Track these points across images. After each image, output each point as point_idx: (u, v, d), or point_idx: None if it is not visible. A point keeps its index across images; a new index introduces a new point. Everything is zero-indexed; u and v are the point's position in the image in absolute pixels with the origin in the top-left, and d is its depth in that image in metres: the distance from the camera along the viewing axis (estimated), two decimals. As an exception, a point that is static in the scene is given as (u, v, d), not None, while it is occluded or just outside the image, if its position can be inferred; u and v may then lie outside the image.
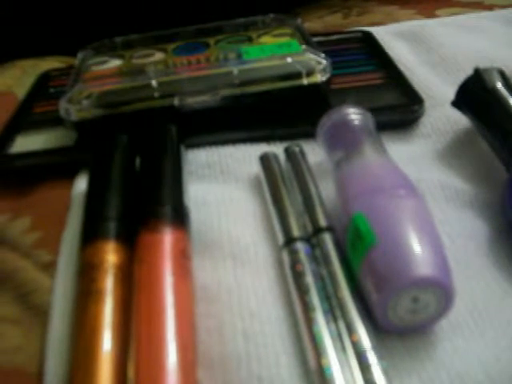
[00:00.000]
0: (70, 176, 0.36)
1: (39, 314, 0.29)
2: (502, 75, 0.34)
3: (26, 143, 0.38)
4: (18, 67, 0.50)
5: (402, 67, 0.43)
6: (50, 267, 0.31)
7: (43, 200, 0.36)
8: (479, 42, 0.48)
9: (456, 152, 0.36)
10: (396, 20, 0.55)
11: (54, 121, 0.38)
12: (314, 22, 0.56)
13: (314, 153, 0.35)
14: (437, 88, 0.42)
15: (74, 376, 0.23)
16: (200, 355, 0.25)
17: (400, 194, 0.27)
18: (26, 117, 0.41)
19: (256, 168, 0.35)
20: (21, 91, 0.46)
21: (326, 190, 0.32)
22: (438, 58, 0.46)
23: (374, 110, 0.34)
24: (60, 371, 0.25)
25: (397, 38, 0.50)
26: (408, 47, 0.48)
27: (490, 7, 0.56)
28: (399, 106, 0.39)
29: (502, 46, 0.48)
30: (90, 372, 0.23)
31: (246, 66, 0.37)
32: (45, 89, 0.45)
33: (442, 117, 0.39)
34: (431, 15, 0.55)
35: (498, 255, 0.29)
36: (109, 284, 0.26)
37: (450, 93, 0.39)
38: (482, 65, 0.36)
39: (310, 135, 0.35)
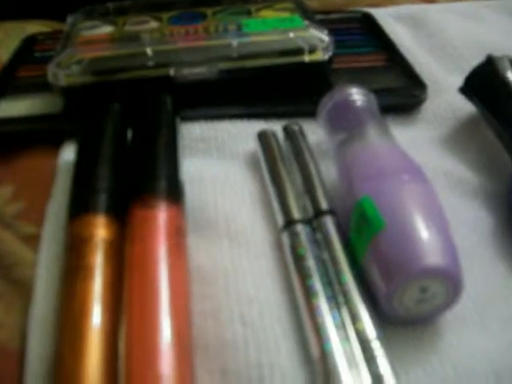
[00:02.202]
0: (55, 144, 0.35)
1: (21, 288, 0.27)
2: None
3: (9, 108, 0.36)
4: (1, 29, 0.48)
5: (402, 50, 0.42)
6: (32, 240, 0.29)
7: (27, 168, 0.34)
8: (480, 30, 0.47)
9: (459, 139, 0.35)
10: (395, 2, 0.53)
11: (40, 86, 0.36)
12: (311, 0, 0.54)
13: (313, 132, 0.34)
14: (438, 73, 0.41)
15: (63, 354, 0.22)
16: (194, 338, 0.24)
17: (409, 179, 0.26)
18: (9, 81, 0.39)
19: (253, 145, 0.33)
20: (4, 54, 0.44)
21: (325, 171, 0.31)
22: (439, 43, 0.45)
23: (376, 92, 0.33)
24: (43, 348, 0.24)
25: (396, 21, 0.48)
26: (408, 31, 0.47)
27: (490, -4, 0.55)
28: (402, 90, 0.38)
29: (501, 36, 0.47)
30: (79, 350, 0.22)
31: (246, 39, 0.36)
32: (30, 53, 0.43)
33: (444, 103, 0.38)
34: (430, 0, 0.54)
35: (502, 247, 0.29)
36: (98, 260, 0.25)
37: (452, 79, 0.39)
38: (483, 53, 0.35)
39: (309, 114, 0.34)
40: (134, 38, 0.37)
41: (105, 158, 0.29)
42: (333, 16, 0.47)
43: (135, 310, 0.23)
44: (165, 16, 0.40)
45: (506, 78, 0.32)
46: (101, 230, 0.26)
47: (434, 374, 0.23)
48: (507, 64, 0.33)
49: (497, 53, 0.35)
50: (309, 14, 0.40)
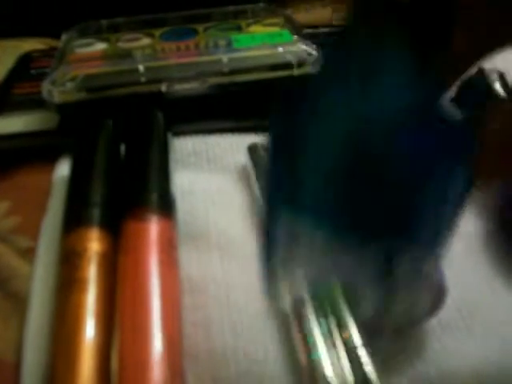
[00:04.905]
0: (50, 160, 0.35)
1: (17, 301, 0.28)
2: (502, 78, 0.34)
3: (5, 125, 0.37)
4: (-2, 47, 0.49)
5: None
6: (28, 253, 0.30)
7: (23, 184, 0.34)
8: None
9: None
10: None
11: (35, 103, 0.37)
12: (302, 14, 0.55)
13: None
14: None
15: (56, 366, 0.22)
16: (186, 349, 0.24)
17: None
18: (5, 98, 0.40)
19: (244, 158, 0.34)
20: (1, 71, 0.44)
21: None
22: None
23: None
24: (38, 361, 0.24)
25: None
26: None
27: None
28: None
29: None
30: (72, 362, 0.22)
31: (236, 55, 0.37)
32: (26, 70, 0.44)
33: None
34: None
35: (488, 254, 0.29)
36: (92, 272, 0.25)
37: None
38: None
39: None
40: (127, 54, 0.38)
41: (98, 172, 0.30)
42: (322, 30, 0.48)
43: (127, 320, 0.24)
44: (157, 32, 0.41)
45: (495, 90, 0.33)
46: (94, 244, 0.26)
47: (418, 381, 0.23)
48: (495, 76, 0.34)
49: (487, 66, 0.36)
50: (298, 29, 0.40)
